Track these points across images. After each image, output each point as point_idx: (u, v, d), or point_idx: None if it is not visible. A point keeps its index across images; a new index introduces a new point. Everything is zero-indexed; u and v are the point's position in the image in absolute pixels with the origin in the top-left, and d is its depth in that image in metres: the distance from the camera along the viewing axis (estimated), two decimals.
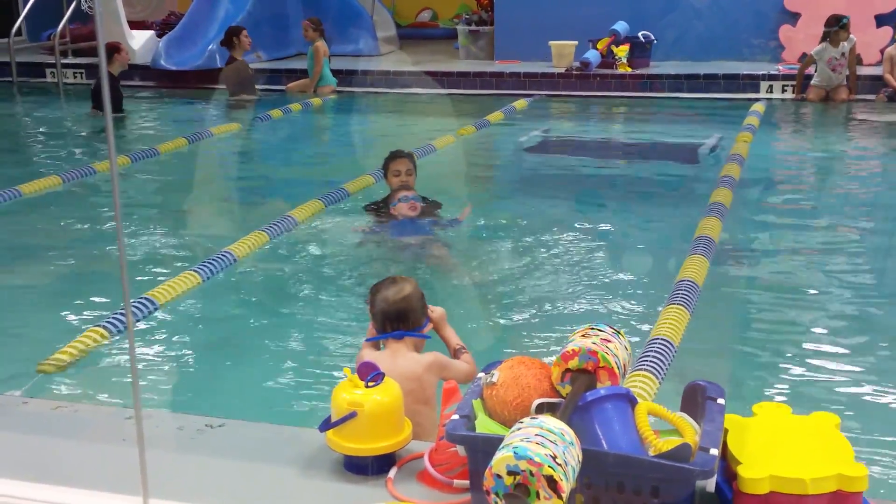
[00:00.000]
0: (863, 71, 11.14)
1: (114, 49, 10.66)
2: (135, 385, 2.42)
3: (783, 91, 11.34)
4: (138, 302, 4.66)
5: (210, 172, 8.51)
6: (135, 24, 14.42)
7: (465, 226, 5.96)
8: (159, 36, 13.76)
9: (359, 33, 14.30)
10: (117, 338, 4.36)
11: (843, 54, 10.64)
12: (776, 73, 11.53)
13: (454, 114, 10.78)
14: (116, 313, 4.54)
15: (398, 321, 3.20)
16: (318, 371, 4.14)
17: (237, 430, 2.91)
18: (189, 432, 2.89)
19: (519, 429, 2.18)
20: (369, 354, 3.17)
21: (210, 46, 12.95)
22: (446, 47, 14.88)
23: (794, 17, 12.29)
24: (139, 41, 13.61)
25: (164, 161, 8.58)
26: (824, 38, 10.73)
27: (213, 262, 5.33)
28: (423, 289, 3.31)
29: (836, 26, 10.58)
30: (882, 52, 11.20)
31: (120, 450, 2.74)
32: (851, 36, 10.66)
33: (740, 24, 12.55)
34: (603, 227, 6.37)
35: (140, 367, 4.08)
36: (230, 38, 11.20)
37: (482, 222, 6.22)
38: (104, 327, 4.39)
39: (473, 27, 13.72)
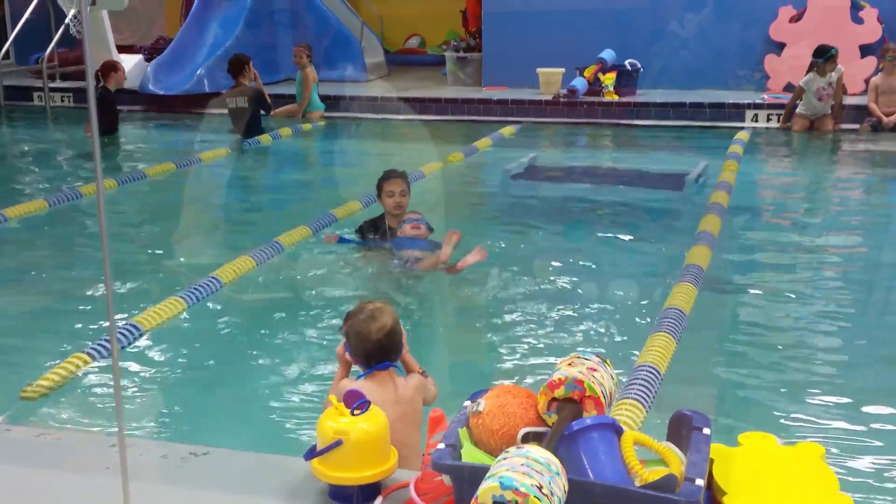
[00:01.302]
0: (847, 100, 11.22)
1: (111, 68, 10.81)
2: (118, 415, 2.40)
3: (768, 120, 11.43)
4: (123, 328, 4.64)
5: (198, 197, 8.50)
6: (123, 49, 14.47)
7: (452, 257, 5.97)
8: (147, 60, 13.79)
9: (347, 59, 14.38)
10: (101, 364, 4.33)
11: (830, 84, 10.72)
12: (761, 101, 11.62)
13: (442, 140, 10.81)
14: (100, 339, 4.52)
15: (383, 356, 3.15)
16: (304, 399, 4.12)
17: (222, 459, 2.89)
18: (173, 461, 2.87)
19: (505, 458, 2.18)
20: (351, 383, 3.14)
21: (199, 71, 13.00)
22: (434, 74, 14.95)
23: (779, 47, 12.42)
24: (128, 66, 13.62)
25: (152, 185, 8.58)
26: (811, 68, 10.82)
27: (199, 288, 5.31)
28: (407, 317, 3.31)
29: (824, 57, 10.66)
30: (866, 81, 11.32)
31: (104, 479, 2.72)
32: (839, 66, 10.76)
33: (726, 53, 12.67)
34: (590, 254, 6.38)
35: (124, 394, 4.05)
36: (241, 65, 10.88)
37: (469, 249, 6.20)
38: (88, 353, 4.36)
39: (461, 54, 13.80)
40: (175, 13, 17.80)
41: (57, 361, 4.30)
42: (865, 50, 12.03)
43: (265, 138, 10.58)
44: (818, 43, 10.96)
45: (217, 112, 11.91)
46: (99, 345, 4.44)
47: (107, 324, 4.77)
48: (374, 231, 6.05)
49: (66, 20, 13.56)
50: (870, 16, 12.02)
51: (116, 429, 2.45)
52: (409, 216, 5.91)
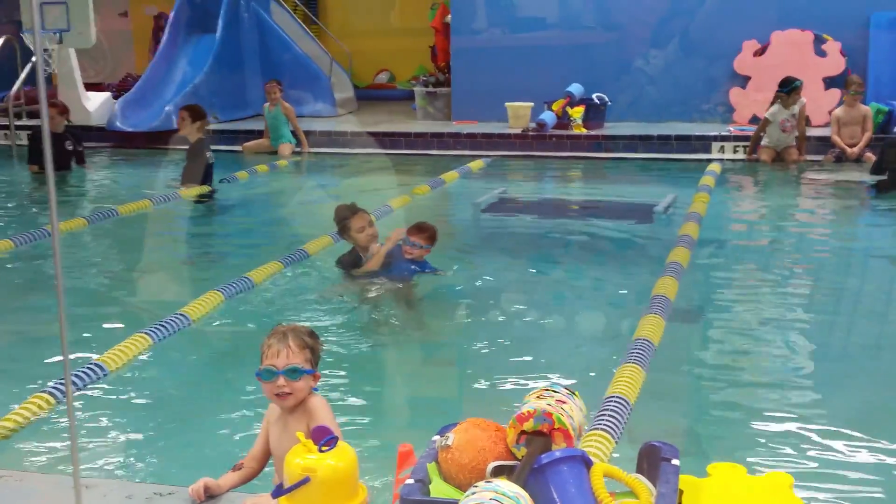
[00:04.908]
0: (811, 132, 11.40)
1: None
2: (74, 457, 2.36)
3: (734, 151, 11.56)
4: (86, 367, 4.57)
5: (172, 233, 8.45)
6: (91, 87, 14.43)
7: (423, 282, 5.95)
8: (115, 98, 13.77)
9: (317, 95, 14.46)
10: (64, 403, 4.26)
11: (793, 115, 10.88)
12: (727, 133, 11.77)
13: (412, 174, 10.85)
14: (62, 379, 4.44)
15: None
16: None
17: (187, 499, 2.85)
18: (138, 501, 2.82)
19: (474, 493, 2.16)
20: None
21: (166, 108, 12.99)
22: (404, 108, 15.04)
23: (744, 80, 12.59)
24: (95, 103, 13.61)
25: (124, 222, 8.49)
26: (775, 100, 10.97)
27: (166, 325, 5.25)
28: (376, 349, 3.29)
29: (787, 89, 10.82)
30: (830, 113, 11.48)
31: None
32: (802, 98, 10.92)
33: (692, 87, 12.86)
34: (559, 286, 6.38)
35: (88, 434, 3.99)
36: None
37: (438, 281, 6.20)
38: (50, 393, 4.29)
39: (431, 89, 13.89)
40: (143, 51, 17.83)
41: (18, 402, 4.22)
42: (829, 83, 12.22)
43: (242, 175, 10.40)
44: (782, 76, 11.12)
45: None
46: (60, 384, 4.37)
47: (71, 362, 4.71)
48: (356, 267, 6.00)
49: (33, 58, 13.51)
50: (833, 49, 12.23)
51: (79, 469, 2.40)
52: (412, 239, 6.00)
